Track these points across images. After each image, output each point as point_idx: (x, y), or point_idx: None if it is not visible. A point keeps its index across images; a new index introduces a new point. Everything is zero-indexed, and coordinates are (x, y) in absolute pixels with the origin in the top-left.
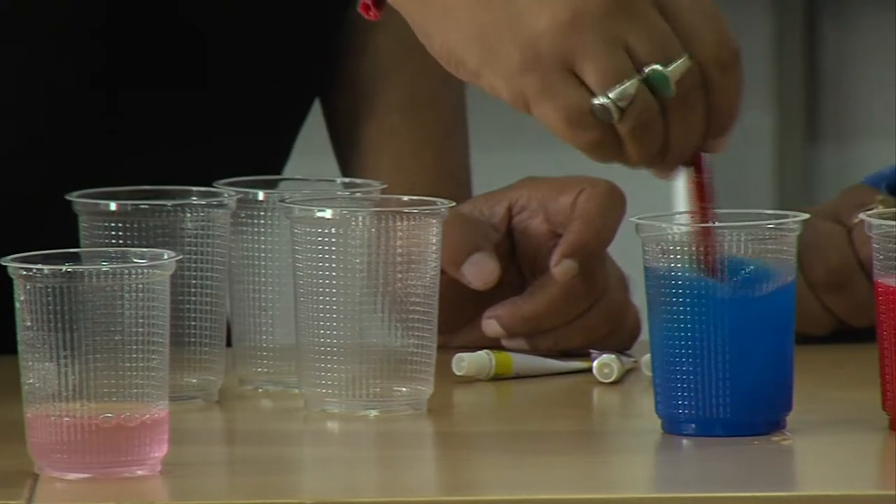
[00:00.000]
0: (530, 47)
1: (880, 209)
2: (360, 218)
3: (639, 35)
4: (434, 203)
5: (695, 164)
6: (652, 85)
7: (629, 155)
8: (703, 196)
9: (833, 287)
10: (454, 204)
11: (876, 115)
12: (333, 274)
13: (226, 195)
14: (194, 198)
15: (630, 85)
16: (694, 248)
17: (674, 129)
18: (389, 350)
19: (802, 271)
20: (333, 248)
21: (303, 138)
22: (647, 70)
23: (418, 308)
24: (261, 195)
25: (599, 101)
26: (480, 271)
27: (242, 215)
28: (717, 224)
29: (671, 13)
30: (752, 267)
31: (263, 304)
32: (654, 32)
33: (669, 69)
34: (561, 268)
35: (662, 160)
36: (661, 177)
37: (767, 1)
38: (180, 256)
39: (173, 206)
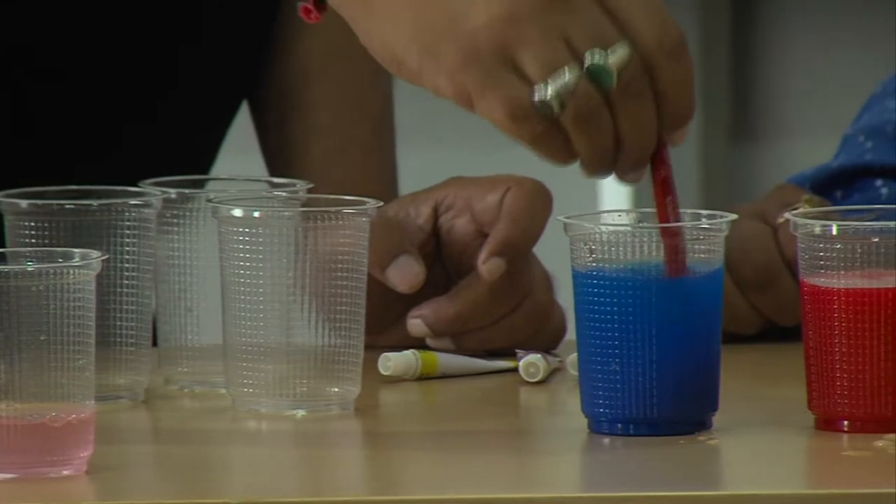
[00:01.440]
0: (469, 43)
1: (805, 208)
2: (287, 218)
3: (577, 26)
4: (362, 203)
5: (656, 159)
6: (592, 75)
7: (578, 149)
8: (666, 192)
9: (760, 286)
10: (382, 204)
11: (801, 115)
12: (260, 274)
13: (152, 195)
14: (120, 197)
15: (568, 75)
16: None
17: (622, 120)
18: (317, 350)
19: (729, 271)
20: (260, 248)
21: (230, 138)
22: (586, 60)
23: (346, 308)
24: (187, 195)
25: (539, 92)
26: (405, 275)
27: (168, 215)
28: (645, 224)
29: (610, 4)
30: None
31: (189, 304)
32: (592, 23)
33: (609, 59)
34: (488, 266)
35: (617, 158)
36: (627, 179)
37: (694, 1)
38: (106, 256)
39: (99, 205)
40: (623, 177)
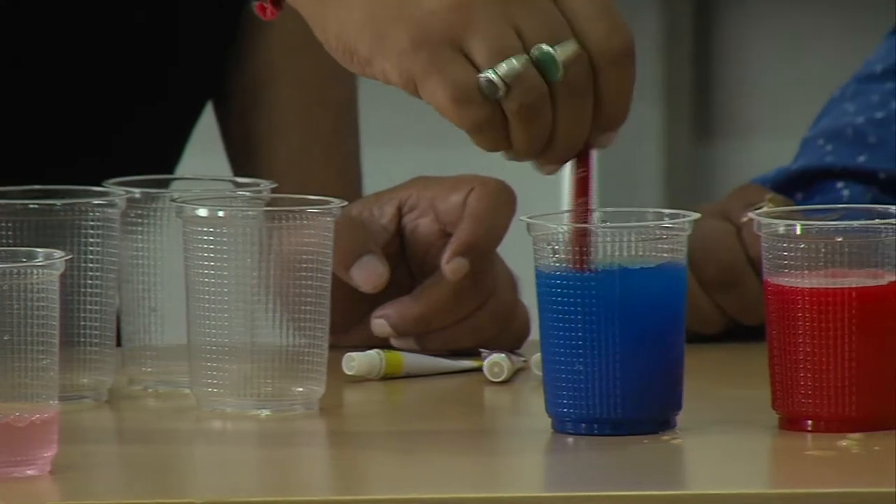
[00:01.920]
0: (419, 26)
1: (769, 208)
2: (252, 217)
3: (528, 16)
4: (327, 202)
5: (581, 158)
6: (539, 65)
7: (516, 140)
8: (582, 191)
9: (724, 285)
10: (346, 203)
11: (765, 113)
12: (224, 273)
13: (116, 195)
14: (84, 197)
15: (517, 61)
16: (571, 245)
17: (561, 116)
18: (281, 349)
19: (693, 270)
20: (224, 248)
21: (194, 138)
22: (534, 49)
23: (310, 308)
24: (151, 195)
25: (486, 75)
26: (369, 274)
27: (132, 215)
28: (609, 224)
29: (561, 4)
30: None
31: (153, 304)
32: (544, 15)
33: (557, 49)
34: (451, 266)
35: (548, 151)
36: (545, 171)
37: None
38: (70, 256)
39: (63, 205)
40: (542, 168)
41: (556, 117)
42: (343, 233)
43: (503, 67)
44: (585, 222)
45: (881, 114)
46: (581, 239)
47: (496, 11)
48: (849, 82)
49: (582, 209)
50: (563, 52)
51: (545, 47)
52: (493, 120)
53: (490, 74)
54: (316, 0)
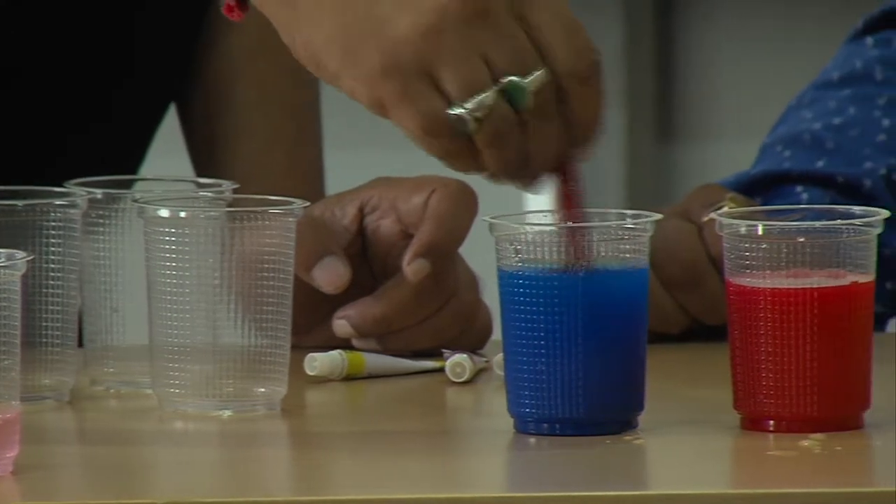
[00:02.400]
0: (391, 53)
1: (730, 207)
2: (214, 218)
3: (498, 46)
4: (289, 203)
5: (562, 172)
6: (509, 96)
7: (488, 166)
8: (569, 203)
9: (685, 285)
10: (308, 204)
11: (726, 116)
12: (186, 274)
13: (78, 195)
14: (46, 198)
15: (487, 96)
16: (564, 248)
17: (532, 140)
18: (243, 350)
19: (655, 270)
20: (186, 248)
21: (157, 139)
22: (504, 81)
23: (272, 308)
24: (113, 195)
25: (456, 110)
26: (331, 275)
27: (94, 215)
28: (573, 224)
29: (530, 25)
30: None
31: (115, 305)
32: (513, 44)
33: (526, 81)
34: (413, 267)
35: (523, 172)
36: (525, 189)
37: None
38: (32, 257)
39: (25, 206)
40: (524, 188)
41: (527, 141)
42: (305, 234)
43: (473, 102)
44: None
45: (839, 119)
46: (575, 237)
47: (466, 41)
48: (805, 90)
49: (573, 219)
50: (532, 82)
51: (515, 79)
52: (463, 148)
53: (460, 110)
54: (285, 6)
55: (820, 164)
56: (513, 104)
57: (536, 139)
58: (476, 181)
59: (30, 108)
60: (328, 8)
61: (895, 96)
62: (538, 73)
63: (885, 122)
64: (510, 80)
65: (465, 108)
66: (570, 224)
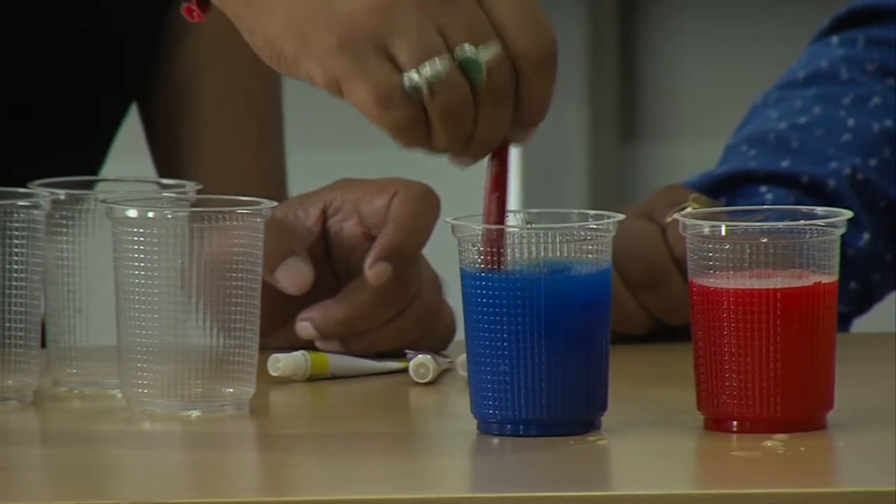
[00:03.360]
0: (344, 28)
1: (693, 208)
2: (182, 218)
3: (453, 19)
4: (257, 203)
5: (498, 154)
6: (463, 67)
7: (436, 140)
8: (497, 186)
9: (648, 285)
10: (276, 204)
11: (689, 116)
12: (154, 274)
13: (41, 196)
14: (9, 198)
15: (441, 64)
16: (486, 246)
17: (482, 119)
18: (211, 350)
19: (618, 270)
20: (154, 249)
21: (118, 140)
22: (458, 53)
23: (240, 308)
24: (76, 196)
25: (409, 76)
26: (294, 276)
27: (57, 216)
28: (533, 225)
29: (488, 5)
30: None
31: (78, 306)
32: (468, 18)
33: (480, 51)
34: (374, 270)
35: (466, 149)
36: (461, 165)
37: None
38: None
39: None
40: (459, 163)
41: (477, 119)
42: (268, 235)
43: (427, 69)
44: (500, 220)
45: (804, 119)
46: (495, 240)
47: (419, 13)
48: (771, 89)
49: (496, 204)
50: (486, 53)
51: (468, 48)
52: (415, 121)
53: (413, 75)
54: (242, 3)
55: (785, 163)
56: (468, 78)
57: (487, 118)
58: (438, 183)
59: None
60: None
61: (860, 96)
62: (493, 45)
63: (850, 122)
64: (464, 51)
65: (418, 76)
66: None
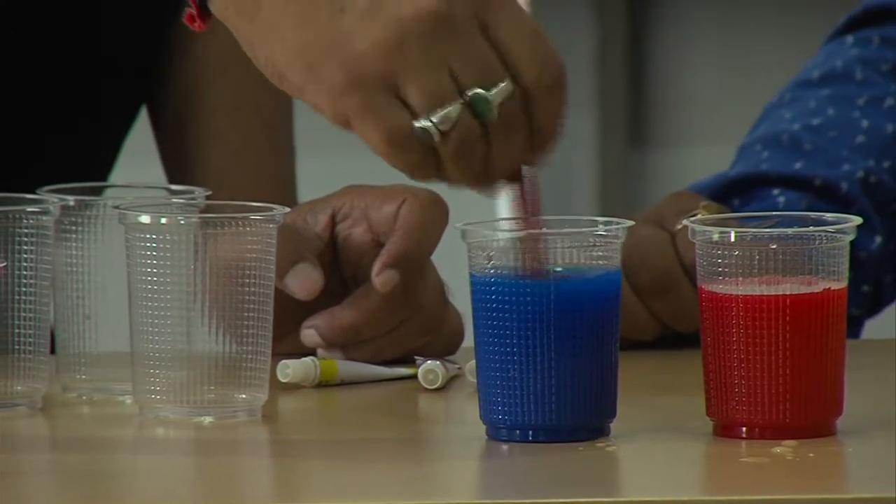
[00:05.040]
0: (353, 67)
1: (703, 215)
2: (195, 224)
3: (462, 59)
4: (269, 209)
5: (516, 178)
6: (474, 108)
7: (450, 176)
8: (526, 208)
9: (657, 292)
10: (288, 210)
11: (698, 122)
12: (168, 280)
13: (50, 202)
14: (18, 205)
15: (452, 108)
16: (521, 255)
17: (495, 151)
18: (224, 356)
19: (627, 277)
20: (167, 255)
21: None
22: (469, 94)
23: (253, 314)
24: (85, 202)
25: (421, 123)
26: (304, 282)
27: (66, 222)
28: (542, 230)
29: (495, 37)
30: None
31: (87, 312)
32: (477, 56)
33: (492, 93)
34: (382, 278)
35: (483, 180)
36: (483, 194)
37: (591, 5)
38: (4, 264)
39: None
40: (480, 192)
41: (490, 152)
42: (278, 240)
43: (438, 115)
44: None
45: (817, 120)
46: (534, 245)
47: (430, 53)
48: (786, 88)
49: (530, 223)
50: (497, 94)
51: (480, 91)
52: (427, 161)
53: (425, 123)
54: (247, 20)
55: (798, 165)
56: (478, 116)
57: (500, 150)
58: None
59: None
60: (290, 22)
61: (875, 96)
62: (503, 84)
63: (864, 124)
64: (475, 93)
65: (430, 121)
66: (530, 231)
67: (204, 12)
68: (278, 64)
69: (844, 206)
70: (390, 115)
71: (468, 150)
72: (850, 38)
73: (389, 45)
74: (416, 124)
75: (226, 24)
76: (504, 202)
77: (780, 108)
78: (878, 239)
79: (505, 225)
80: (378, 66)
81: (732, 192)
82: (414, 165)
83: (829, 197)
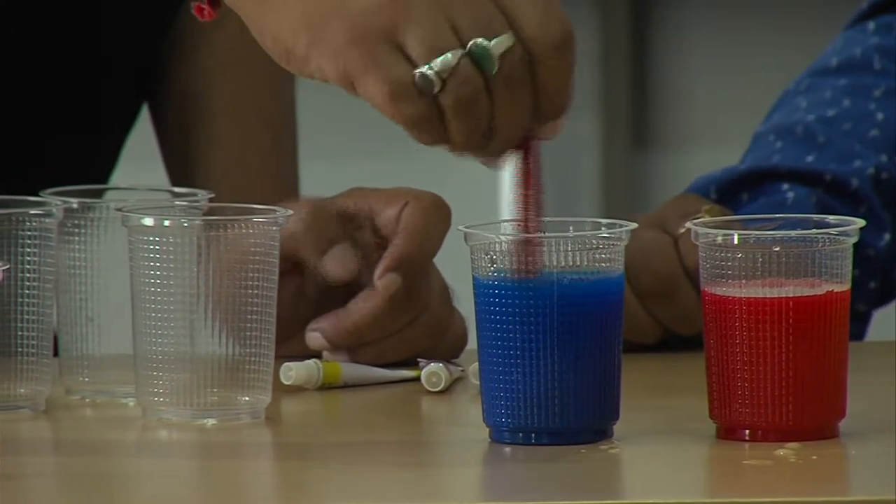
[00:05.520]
0: (355, 23)
1: (706, 218)
2: (199, 226)
3: (463, 10)
4: (272, 211)
5: (524, 149)
6: (475, 59)
7: (452, 134)
8: (527, 183)
9: (659, 296)
10: (292, 212)
11: (701, 124)
12: (171, 283)
13: (53, 204)
14: (21, 207)
15: (452, 56)
16: (517, 252)
17: (498, 108)
18: (227, 358)
19: (629, 280)
20: (171, 257)
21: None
22: (469, 44)
23: (256, 316)
24: (88, 204)
25: (421, 71)
26: (343, 264)
27: (69, 224)
28: (544, 231)
29: None
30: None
31: (90, 314)
32: (478, 8)
33: (492, 43)
34: (384, 281)
35: (488, 144)
36: (488, 164)
37: (594, 8)
38: (7, 266)
39: (0, 215)
40: (487, 162)
41: (493, 109)
42: (315, 221)
43: (438, 63)
44: (535, 216)
45: (832, 111)
46: (527, 247)
47: (431, 6)
48: (803, 75)
49: (528, 201)
50: (498, 45)
51: (480, 41)
52: (429, 115)
53: (425, 70)
54: (257, 4)
55: (810, 158)
56: (480, 69)
57: (504, 108)
58: (449, 192)
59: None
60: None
61: (892, 88)
62: (504, 36)
63: (879, 116)
64: (475, 42)
65: (430, 69)
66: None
67: (214, 1)
68: (285, 39)
69: (854, 202)
70: (392, 67)
71: (470, 101)
72: (871, 24)
73: (389, 0)
74: (417, 72)
75: (236, 12)
76: (508, 200)
77: (796, 95)
78: (887, 236)
79: (507, 227)
80: (378, 21)
81: (741, 187)
82: (415, 119)
83: (839, 193)
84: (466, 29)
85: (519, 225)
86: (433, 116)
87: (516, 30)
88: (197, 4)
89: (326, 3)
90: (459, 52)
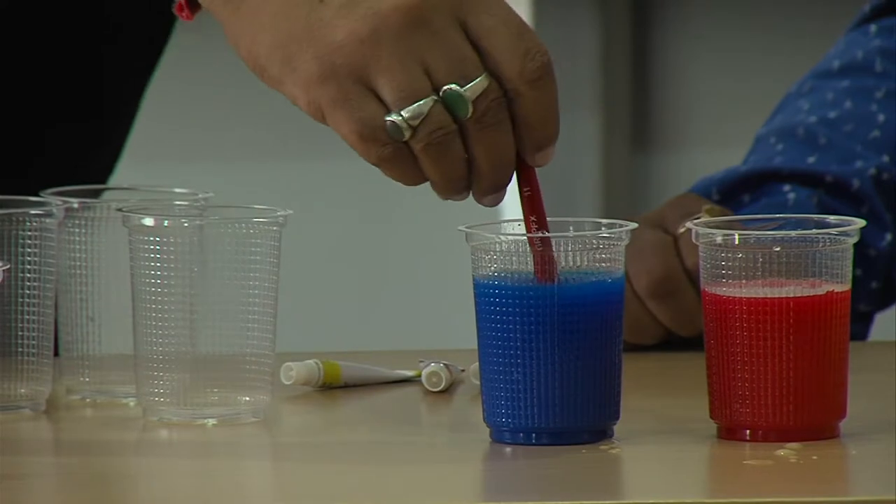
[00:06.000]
0: (327, 59)
1: (706, 218)
2: (199, 226)
3: (437, 54)
4: (272, 211)
5: (521, 178)
6: (447, 103)
7: (428, 175)
8: (531, 209)
9: (659, 296)
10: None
11: (701, 124)
12: (171, 283)
13: (53, 204)
14: (21, 207)
15: (423, 104)
16: (530, 258)
17: (476, 148)
18: (227, 358)
19: (629, 280)
20: (171, 257)
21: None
22: (442, 89)
23: (256, 316)
24: (89, 204)
25: (391, 117)
26: None
27: (70, 224)
28: (547, 233)
29: (475, 34)
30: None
31: (91, 314)
32: (452, 52)
33: (465, 89)
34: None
35: (475, 183)
36: (483, 202)
37: (594, 8)
38: (8, 266)
39: (0, 215)
40: (480, 200)
41: (470, 151)
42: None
43: (409, 110)
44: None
45: (834, 113)
46: (543, 251)
47: (404, 48)
48: (805, 77)
49: (534, 227)
50: (472, 90)
51: (453, 87)
52: (399, 156)
53: (395, 118)
54: (231, 10)
55: (811, 160)
56: (453, 113)
57: (481, 148)
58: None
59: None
60: (270, 13)
61: (892, 90)
62: (478, 80)
63: (881, 118)
64: (448, 89)
65: (400, 116)
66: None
67: (192, 2)
68: (259, 56)
69: (855, 203)
70: (362, 107)
71: (442, 146)
72: (873, 27)
73: (364, 38)
74: (387, 118)
75: (212, 15)
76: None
77: (798, 97)
78: (888, 236)
79: (509, 227)
80: (351, 59)
81: (743, 188)
82: (385, 160)
83: (841, 194)
84: (439, 72)
85: (532, 244)
86: (406, 158)
87: (491, 68)
88: (178, 3)
89: (300, 32)
90: (432, 99)
